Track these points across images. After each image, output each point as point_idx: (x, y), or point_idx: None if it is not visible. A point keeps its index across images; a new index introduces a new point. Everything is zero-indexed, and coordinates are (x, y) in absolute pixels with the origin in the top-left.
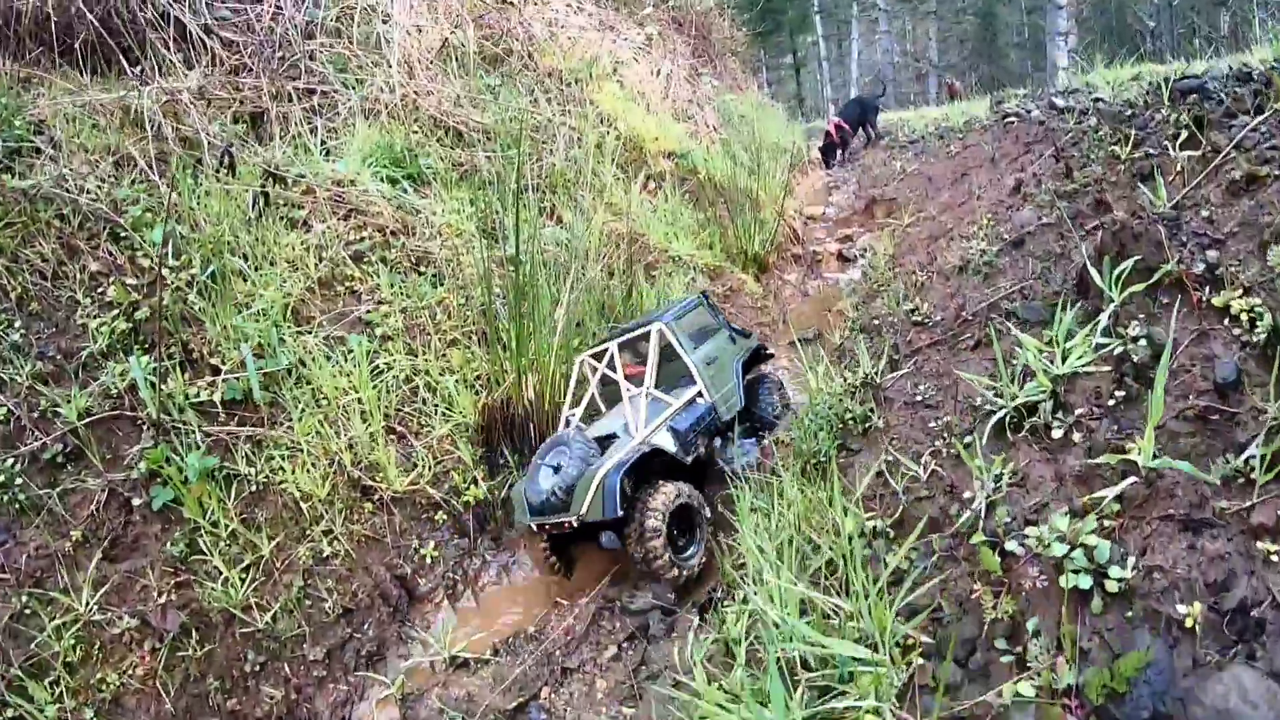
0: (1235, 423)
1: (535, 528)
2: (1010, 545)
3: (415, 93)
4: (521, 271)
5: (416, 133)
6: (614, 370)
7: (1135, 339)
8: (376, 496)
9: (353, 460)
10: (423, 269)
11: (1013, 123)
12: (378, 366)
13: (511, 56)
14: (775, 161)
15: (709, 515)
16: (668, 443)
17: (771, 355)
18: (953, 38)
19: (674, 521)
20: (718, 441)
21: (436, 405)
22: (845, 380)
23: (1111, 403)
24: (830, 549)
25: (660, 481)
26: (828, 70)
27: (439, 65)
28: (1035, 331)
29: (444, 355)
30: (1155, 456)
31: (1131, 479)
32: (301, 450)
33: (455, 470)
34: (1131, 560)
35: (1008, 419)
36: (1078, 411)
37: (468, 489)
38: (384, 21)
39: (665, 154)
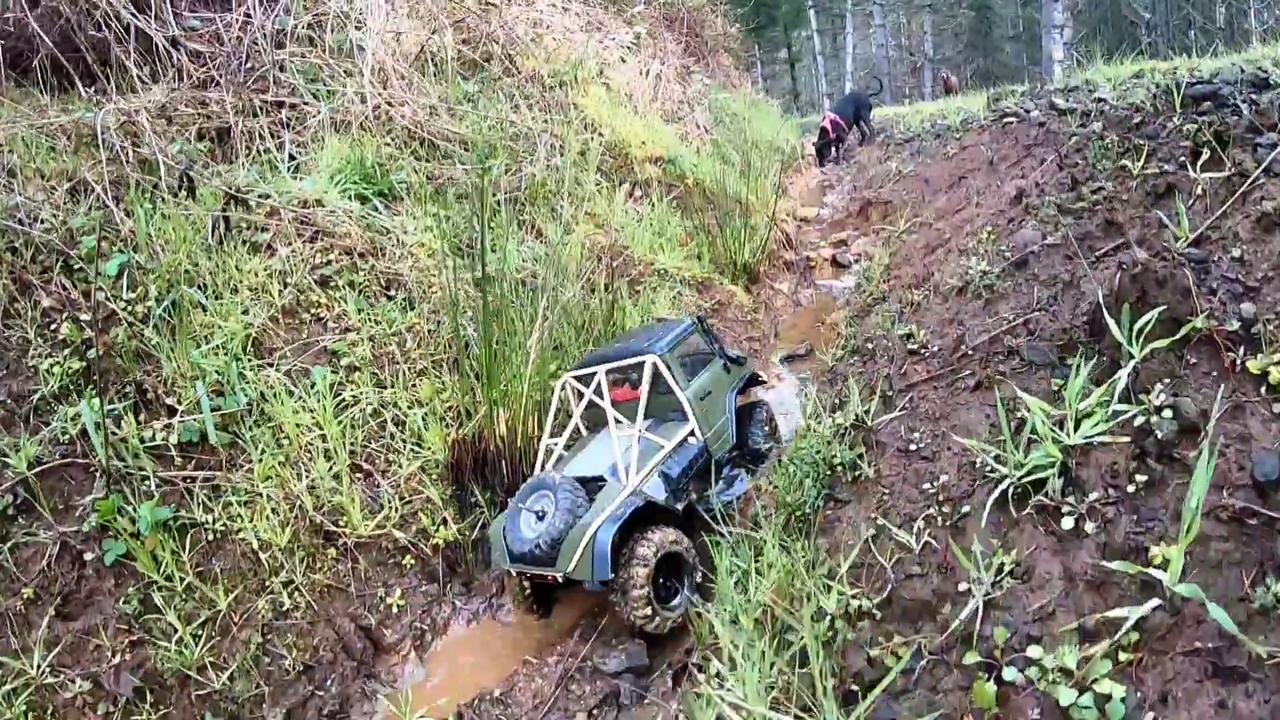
0: (1277, 530)
1: (514, 573)
2: (1009, 673)
3: (388, 103)
4: (492, 293)
5: (389, 145)
6: (600, 396)
7: (1159, 409)
8: (340, 542)
9: (315, 504)
10: (393, 293)
11: (1011, 123)
12: (343, 400)
13: (492, 61)
14: (767, 162)
15: (696, 560)
16: (659, 491)
17: (763, 382)
18: (948, 31)
19: (660, 570)
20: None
21: (405, 440)
22: (834, 422)
23: (1131, 487)
24: (807, 633)
25: (648, 528)
26: (822, 65)
27: (415, 73)
28: (1042, 378)
29: (414, 386)
30: (1182, 577)
31: (1154, 603)
32: (261, 495)
33: (423, 511)
34: (1150, 717)
35: (1011, 490)
36: (1092, 496)
37: (437, 531)
38: (357, 28)
39: (652, 159)
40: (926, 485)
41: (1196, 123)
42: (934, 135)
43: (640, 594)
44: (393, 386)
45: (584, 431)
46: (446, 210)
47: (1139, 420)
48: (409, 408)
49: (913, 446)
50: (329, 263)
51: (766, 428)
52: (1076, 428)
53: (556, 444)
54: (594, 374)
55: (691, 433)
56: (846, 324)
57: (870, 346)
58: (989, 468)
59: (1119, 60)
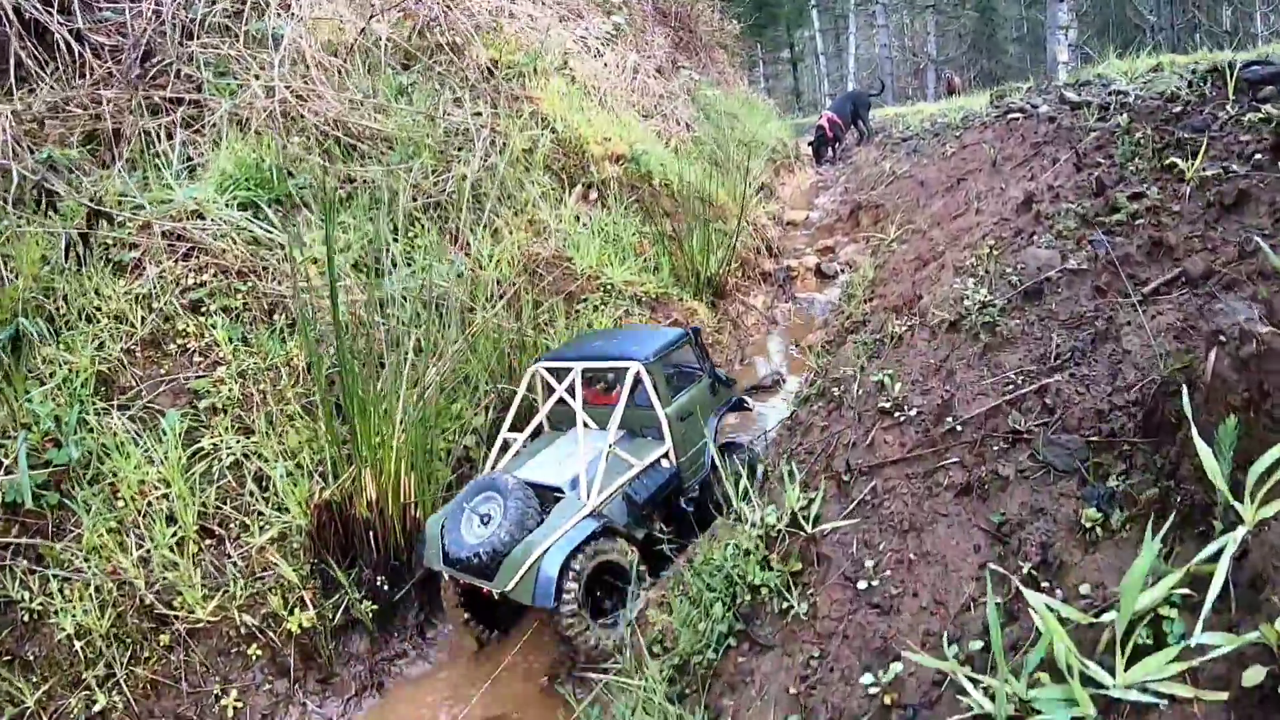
0: None
1: (446, 576)
2: None
3: (298, 97)
4: (391, 317)
5: (300, 145)
6: (572, 396)
7: None
8: (174, 627)
9: (147, 580)
10: (275, 318)
11: (1017, 119)
12: (199, 449)
13: (441, 51)
14: (754, 161)
15: (642, 571)
16: (620, 515)
17: (750, 409)
18: (951, 32)
19: (594, 581)
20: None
21: (266, 500)
22: (764, 520)
23: None
24: None
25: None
26: (824, 65)
27: (345, 64)
28: (1064, 497)
29: (284, 433)
30: None
31: None
32: (84, 569)
33: (276, 590)
34: None
35: None
36: None
37: (291, 614)
38: (280, 14)
39: (613, 158)
40: (876, 669)
41: (1260, 111)
42: (932, 134)
43: (569, 611)
44: (260, 433)
45: (546, 428)
46: (358, 218)
47: (1251, 668)
48: (274, 460)
49: (866, 581)
50: (202, 284)
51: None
52: (1129, 662)
53: (515, 439)
54: (567, 369)
55: (665, 454)
56: (818, 353)
57: (838, 391)
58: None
59: (1133, 55)
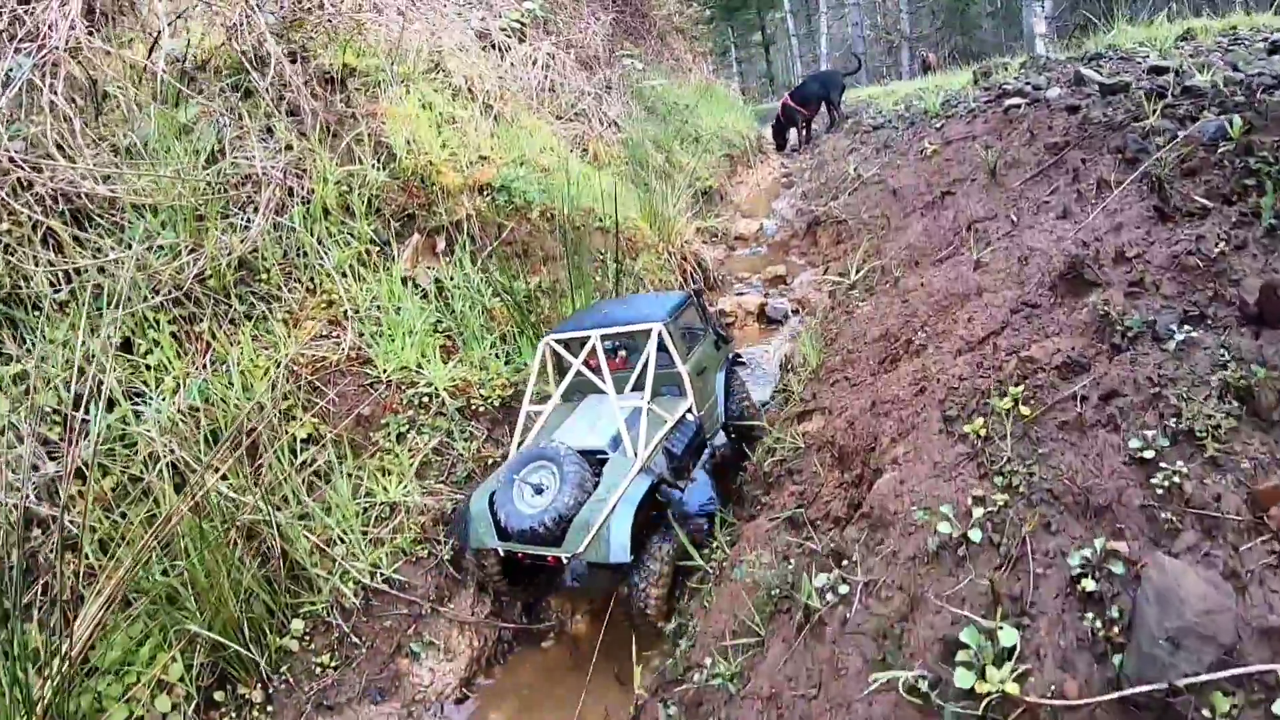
0: None
1: (499, 553)
2: None
3: (18, 163)
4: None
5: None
6: (593, 362)
7: None
8: None
9: None
10: None
11: (1017, 108)
12: None
13: (264, 64)
14: (698, 160)
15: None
16: (662, 468)
17: (743, 363)
18: (924, 8)
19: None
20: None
21: None
22: None
23: None
24: None
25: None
26: (797, 47)
27: (108, 100)
28: None
29: None
30: None
31: None
32: None
33: None
34: None
35: None
36: None
37: None
38: (23, 48)
39: (474, 188)
40: None
41: None
42: (907, 122)
43: (662, 593)
44: None
45: (558, 400)
46: (78, 327)
47: None
48: None
49: None
50: None
51: (745, 402)
52: None
53: (539, 412)
54: (583, 338)
55: (689, 409)
56: (726, 522)
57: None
58: None
59: (1143, 21)
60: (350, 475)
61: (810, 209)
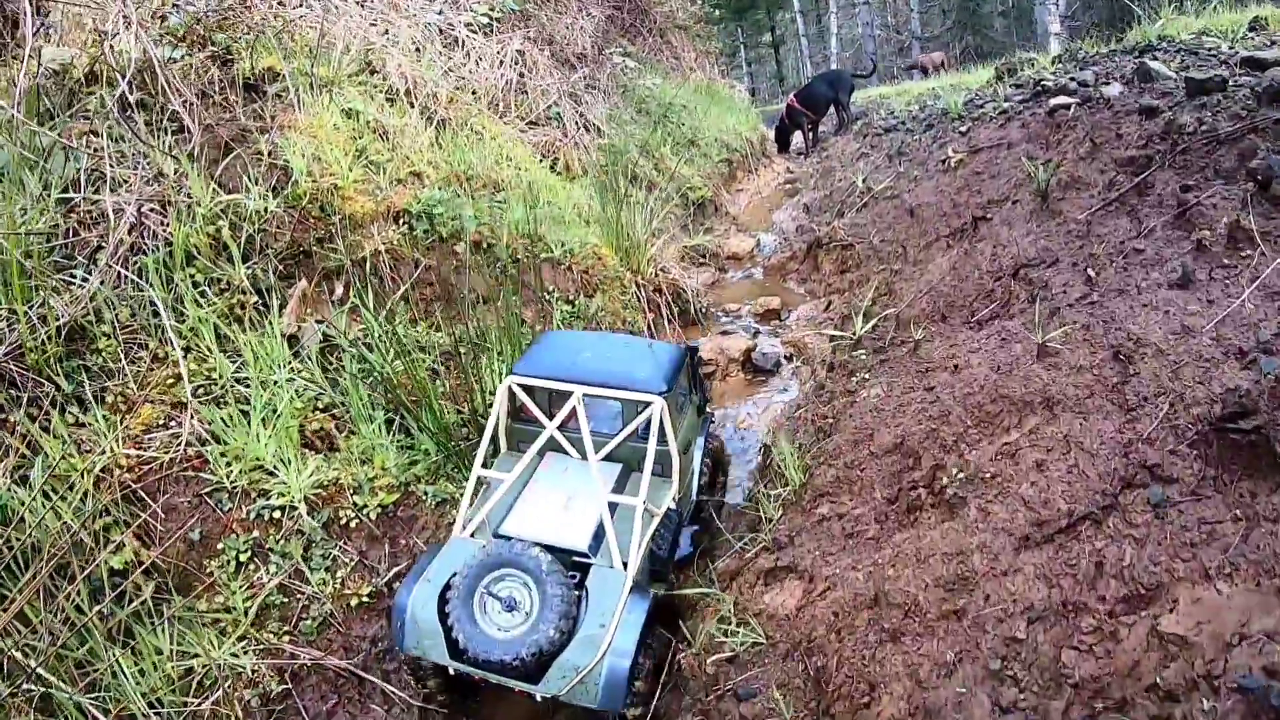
0: None
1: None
2: None
3: None
4: None
5: None
6: (574, 425)
7: None
8: None
9: None
10: None
11: (1064, 110)
12: None
13: (157, 74)
14: (691, 169)
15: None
16: (646, 575)
17: (712, 421)
18: (935, 8)
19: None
20: None
21: None
22: None
23: None
24: None
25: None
26: (807, 47)
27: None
28: None
29: None
30: None
31: None
32: None
33: None
34: None
35: None
36: None
37: None
38: None
39: (391, 215)
40: None
41: None
42: (924, 125)
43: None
44: None
45: (503, 448)
46: None
47: None
48: None
49: None
50: None
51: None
52: None
53: (494, 478)
54: (561, 392)
55: (674, 496)
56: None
57: None
58: None
59: (1201, 9)
60: (174, 621)
61: (811, 226)
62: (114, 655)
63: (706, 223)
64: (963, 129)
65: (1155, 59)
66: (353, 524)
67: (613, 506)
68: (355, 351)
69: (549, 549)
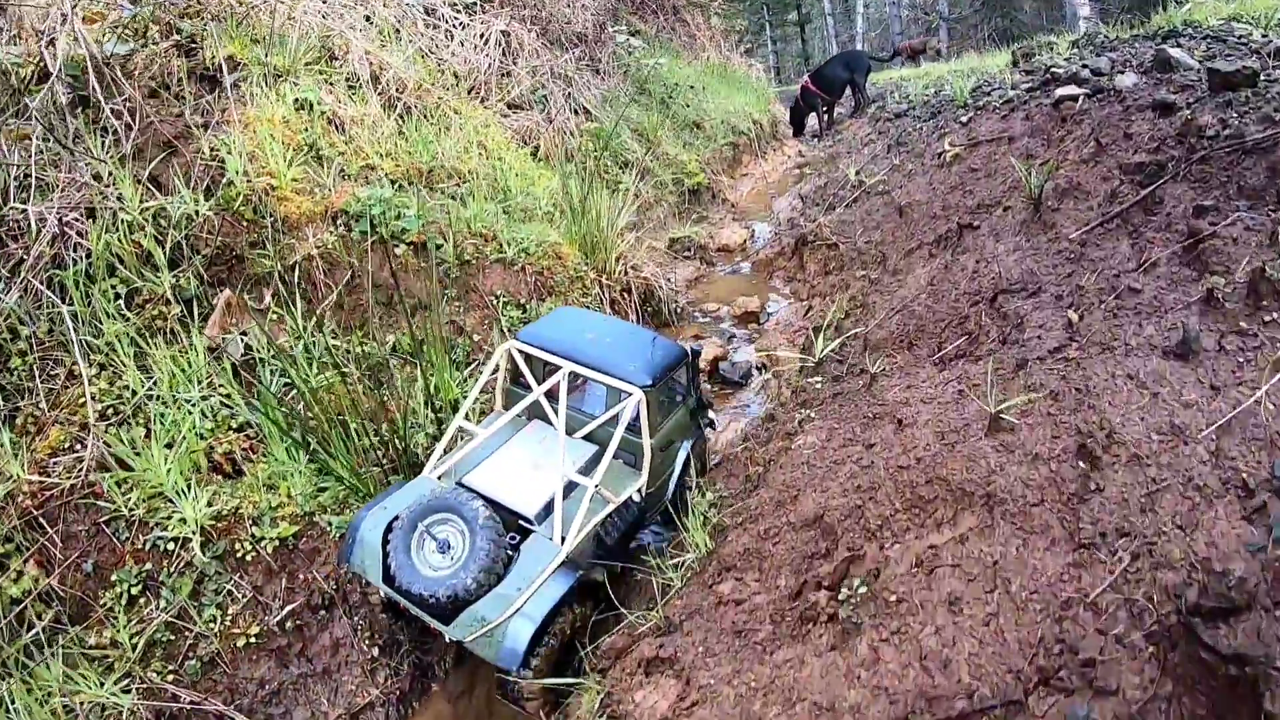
0: None
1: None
2: None
3: None
4: None
5: None
6: (554, 398)
7: None
8: None
9: None
10: None
11: (1071, 102)
12: None
13: (104, 72)
14: (691, 154)
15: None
16: (587, 555)
17: (715, 428)
18: None
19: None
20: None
21: None
22: None
23: None
24: None
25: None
26: (832, 26)
27: None
28: None
29: None
30: None
31: None
32: None
33: None
34: None
35: None
36: None
37: None
38: None
39: (330, 215)
40: None
41: None
42: (930, 112)
43: (537, 686)
44: None
45: (497, 406)
46: None
47: None
48: None
49: None
50: None
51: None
52: None
53: (473, 432)
54: (551, 365)
55: (639, 489)
56: None
57: None
58: None
59: None
60: (63, 655)
61: (800, 223)
62: (7, 688)
63: (701, 211)
64: (964, 119)
65: (1177, 45)
66: (249, 557)
67: (573, 484)
68: (277, 365)
69: (499, 507)
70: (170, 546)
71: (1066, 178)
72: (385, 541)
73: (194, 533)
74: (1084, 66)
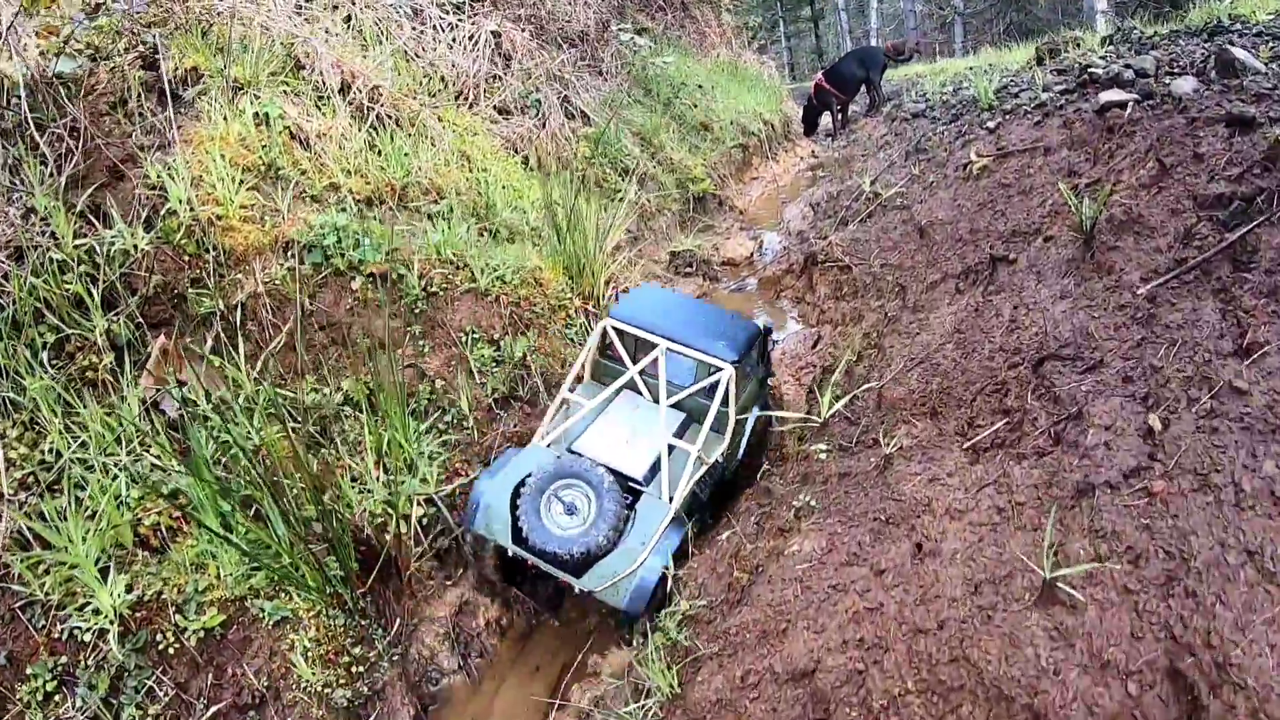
0: None
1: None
2: None
3: None
4: None
5: None
6: (653, 374)
7: None
8: None
9: None
10: None
11: (1119, 112)
12: None
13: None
14: (697, 159)
15: None
16: (685, 510)
17: (771, 390)
18: None
19: None
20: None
21: None
22: None
23: None
24: None
25: None
26: (846, 21)
27: None
28: None
29: None
30: None
31: None
32: None
33: None
34: None
35: None
36: None
37: None
38: None
39: (281, 245)
40: None
41: None
42: (951, 113)
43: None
44: None
45: (586, 377)
46: None
47: None
48: None
49: None
50: None
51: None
52: None
53: (576, 402)
54: (648, 342)
55: (722, 452)
56: None
57: None
58: None
59: None
60: None
61: (810, 235)
62: None
63: (707, 219)
64: (991, 124)
65: (1232, 44)
66: (172, 649)
67: (670, 448)
68: (213, 422)
69: (610, 471)
70: (88, 637)
71: (1124, 206)
72: (513, 506)
73: (111, 622)
74: (1126, 67)
